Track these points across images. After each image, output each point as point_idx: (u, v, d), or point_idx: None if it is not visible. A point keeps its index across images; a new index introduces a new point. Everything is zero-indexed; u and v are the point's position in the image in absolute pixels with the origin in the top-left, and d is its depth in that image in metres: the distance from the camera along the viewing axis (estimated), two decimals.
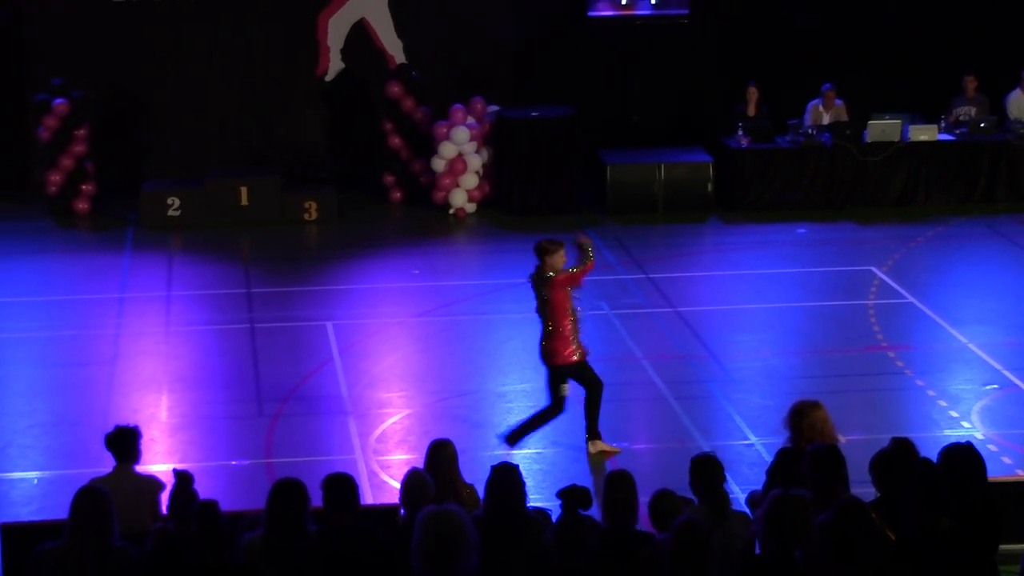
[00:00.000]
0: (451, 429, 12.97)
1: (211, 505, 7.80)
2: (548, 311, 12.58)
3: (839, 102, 20.80)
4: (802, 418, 9.17)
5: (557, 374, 12.65)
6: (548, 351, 12.63)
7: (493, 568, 7.54)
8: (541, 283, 12.60)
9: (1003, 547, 8.08)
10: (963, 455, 8.04)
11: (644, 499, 8.30)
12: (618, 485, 8.24)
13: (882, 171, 20.40)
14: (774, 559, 7.15)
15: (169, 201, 19.84)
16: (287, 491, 7.78)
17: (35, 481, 12.59)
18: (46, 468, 12.79)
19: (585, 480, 8.48)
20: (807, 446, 8.79)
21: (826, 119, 20.72)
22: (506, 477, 7.99)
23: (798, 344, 15.81)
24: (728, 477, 11.32)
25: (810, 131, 20.38)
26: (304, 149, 21.57)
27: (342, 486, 7.75)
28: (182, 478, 8.33)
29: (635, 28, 21.60)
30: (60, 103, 19.88)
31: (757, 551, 7.74)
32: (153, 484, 9.26)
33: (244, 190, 19.96)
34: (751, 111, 20.69)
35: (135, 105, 21.22)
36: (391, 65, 21.26)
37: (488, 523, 7.76)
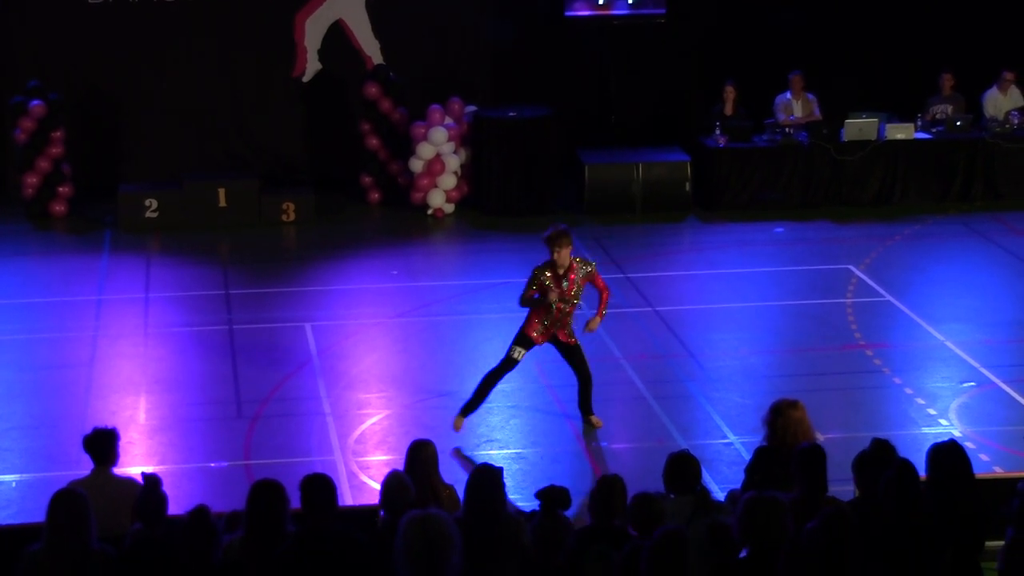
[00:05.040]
0: (430, 430, 12.98)
1: (203, 510, 7.75)
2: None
3: (811, 96, 20.85)
4: (778, 417, 9.21)
5: None
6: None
7: (475, 569, 7.54)
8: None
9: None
10: (950, 453, 8.07)
11: None
12: (609, 489, 8.27)
13: (859, 170, 20.45)
14: (749, 561, 7.15)
15: (147, 203, 19.80)
16: (267, 492, 7.78)
17: (13, 484, 12.55)
18: (24, 471, 12.76)
19: (564, 481, 8.49)
20: (789, 445, 8.83)
21: (797, 110, 20.77)
22: (486, 478, 7.99)
23: (776, 343, 15.85)
24: (707, 476, 11.39)
25: (787, 130, 20.43)
26: (282, 150, 21.55)
27: (320, 487, 7.74)
28: (150, 481, 8.31)
29: (612, 28, 21.62)
30: (36, 105, 19.83)
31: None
32: (132, 486, 9.22)
33: (222, 192, 19.93)
34: (728, 110, 20.72)
35: (112, 107, 21.18)
36: (368, 66, 21.25)
37: (469, 524, 7.76)
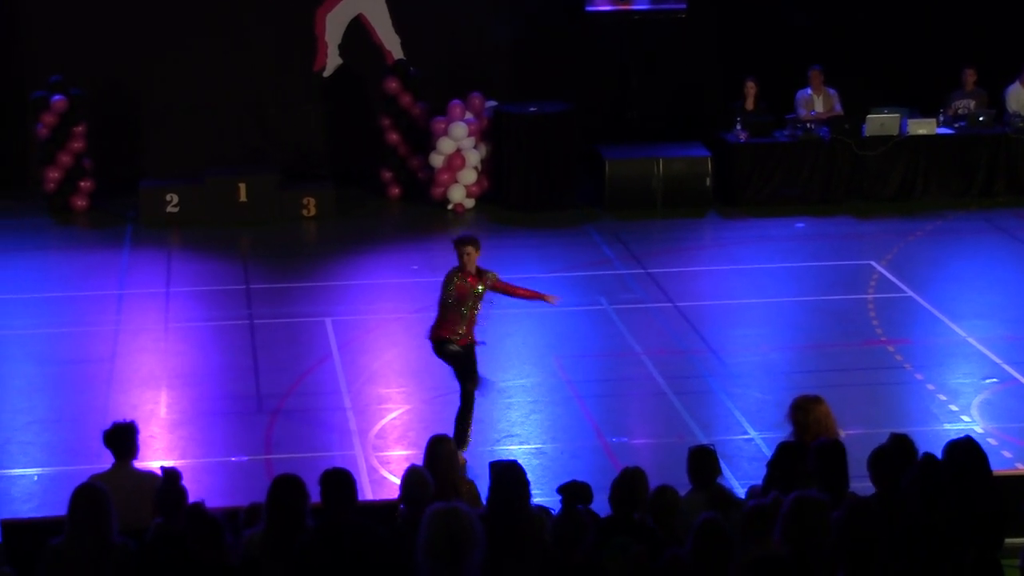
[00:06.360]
0: (450, 425, 12.98)
1: (198, 507, 7.74)
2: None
3: (832, 91, 20.79)
4: (807, 414, 9.17)
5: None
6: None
7: (497, 565, 7.52)
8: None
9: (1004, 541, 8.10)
10: (967, 450, 8.05)
11: None
12: (631, 482, 8.27)
13: (880, 165, 20.40)
14: (790, 560, 7.11)
15: (168, 198, 19.84)
16: (286, 487, 7.77)
17: (35, 478, 12.59)
18: (46, 465, 12.80)
19: (584, 476, 8.46)
20: (812, 441, 8.81)
21: (818, 105, 20.72)
22: (511, 475, 7.95)
23: (797, 339, 15.82)
24: (728, 471, 11.38)
25: (809, 126, 20.37)
26: (302, 145, 21.56)
27: (340, 482, 7.73)
28: (169, 475, 8.31)
29: (633, 23, 21.59)
30: (58, 100, 19.87)
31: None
32: (153, 480, 9.22)
33: (243, 187, 19.96)
34: (749, 106, 20.68)
35: (133, 102, 21.22)
36: (389, 61, 21.25)
37: (493, 521, 7.73)
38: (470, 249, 12.67)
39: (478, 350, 12.80)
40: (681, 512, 8.43)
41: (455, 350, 12.72)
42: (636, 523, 8.21)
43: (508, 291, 12.95)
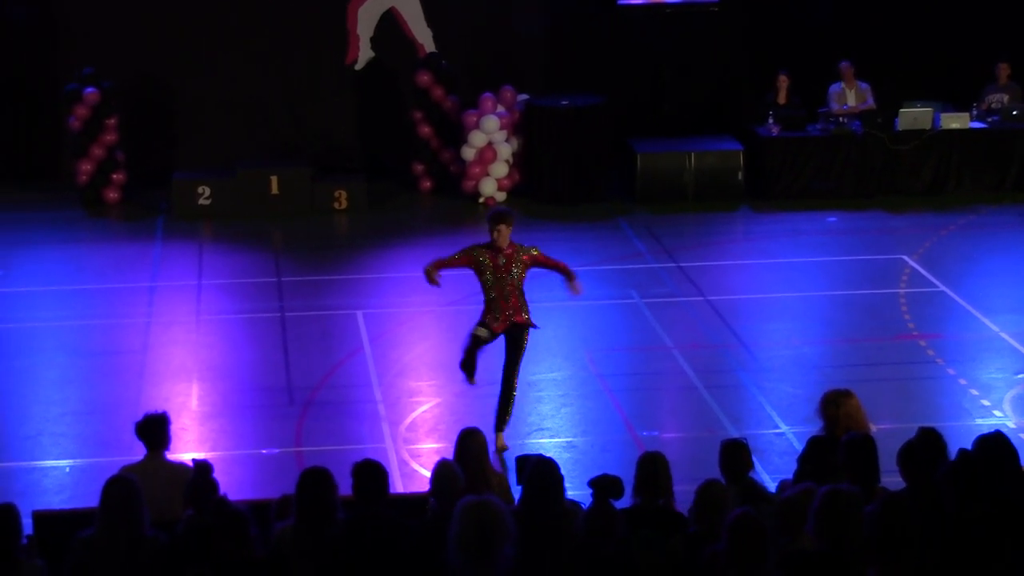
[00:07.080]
0: (481, 418, 12.96)
1: (222, 500, 7.75)
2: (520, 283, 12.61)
3: (864, 85, 20.72)
4: (838, 408, 9.17)
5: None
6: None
7: (530, 560, 7.51)
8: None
9: None
10: (996, 445, 8.02)
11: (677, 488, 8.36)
12: (652, 467, 8.26)
13: (913, 159, 20.32)
14: (823, 555, 7.10)
15: (200, 190, 19.89)
16: (315, 480, 7.78)
17: (67, 469, 12.64)
18: (78, 456, 12.85)
19: (614, 469, 8.45)
20: (842, 435, 8.79)
21: (850, 98, 20.65)
22: (546, 471, 7.94)
23: (829, 333, 15.77)
24: (759, 466, 11.34)
25: (841, 120, 20.31)
26: (334, 138, 21.59)
27: (372, 474, 7.75)
28: (201, 467, 8.33)
29: (665, 16, 21.55)
30: (91, 92, 19.94)
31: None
32: (184, 472, 9.24)
33: (274, 179, 19.99)
34: (782, 99, 20.62)
35: (166, 94, 21.27)
36: (421, 54, 21.26)
37: (526, 516, 7.71)
38: (502, 227, 12.58)
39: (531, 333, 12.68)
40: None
41: (481, 336, 12.69)
42: (660, 509, 8.18)
43: (550, 264, 12.85)
